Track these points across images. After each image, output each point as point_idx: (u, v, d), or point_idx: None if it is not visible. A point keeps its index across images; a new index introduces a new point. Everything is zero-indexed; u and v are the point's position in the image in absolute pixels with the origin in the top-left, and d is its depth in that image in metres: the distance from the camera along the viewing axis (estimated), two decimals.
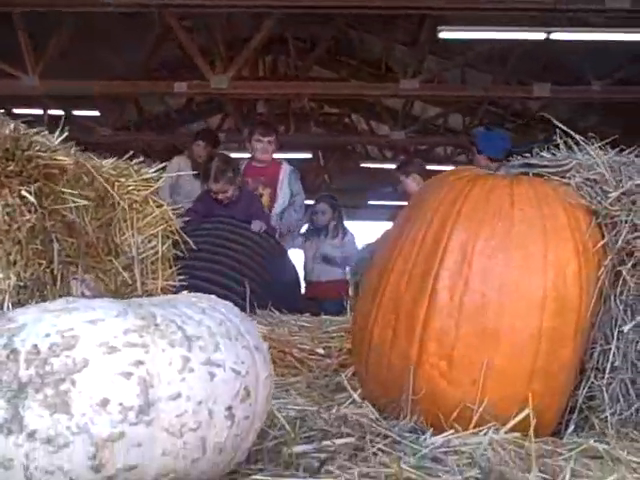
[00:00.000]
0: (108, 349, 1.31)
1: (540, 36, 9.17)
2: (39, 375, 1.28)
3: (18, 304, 2.09)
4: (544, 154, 2.42)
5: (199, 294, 1.61)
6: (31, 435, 1.27)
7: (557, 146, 2.45)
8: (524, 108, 12.93)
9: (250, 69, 13.41)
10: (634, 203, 2.19)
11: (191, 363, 1.36)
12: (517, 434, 1.97)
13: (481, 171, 2.42)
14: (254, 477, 1.46)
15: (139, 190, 2.94)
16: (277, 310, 3.99)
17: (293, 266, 5.64)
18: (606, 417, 2.16)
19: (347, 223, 8.16)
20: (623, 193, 2.22)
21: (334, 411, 2.23)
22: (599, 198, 2.24)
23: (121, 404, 1.29)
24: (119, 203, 2.81)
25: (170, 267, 3.04)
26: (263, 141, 5.82)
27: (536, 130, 12.53)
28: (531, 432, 1.89)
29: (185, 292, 1.67)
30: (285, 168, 5.99)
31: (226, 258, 4.50)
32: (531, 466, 1.62)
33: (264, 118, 13.49)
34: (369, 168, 16.18)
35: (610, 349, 2.18)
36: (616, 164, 2.33)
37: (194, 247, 3.16)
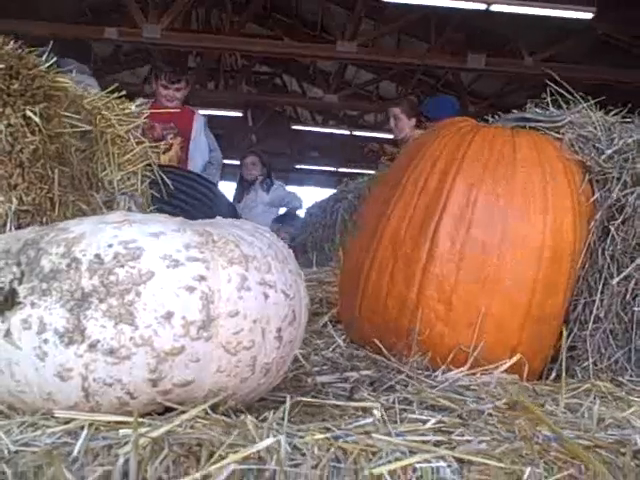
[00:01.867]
0: (172, 262, 1.30)
1: (481, 7, 9.29)
2: (104, 285, 1.26)
3: (19, 229, 2.03)
4: (537, 110, 2.50)
5: (237, 219, 1.60)
6: (93, 345, 1.26)
7: (547, 104, 2.53)
8: (457, 81, 13.13)
9: (183, 21, 13.12)
10: (626, 161, 2.29)
11: (248, 282, 1.37)
12: (515, 376, 2.06)
13: (480, 123, 2.47)
14: (296, 399, 1.48)
15: (121, 125, 2.87)
16: None
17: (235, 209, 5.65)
18: (587, 366, 2.26)
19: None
20: (615, 151, 2.31)
21: (325, 353, 2.26)
22: (592, 155, 2.33)
23: (184, 318, 1.29)
24: (102, 136, 2.74)
25: (148, 206, 2.99)
26: (170, 88, 5.33)
27: (467, 103, 12.74)
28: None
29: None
30: (199, 118, 5.59)
31: (180, 203, 4.46)
32: (544, 402, 1.70)
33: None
34: (298, 131, 16.15)
35: (594, 301, 2.28)
36: (607, 123, 2.43)
37: (171, 187, 3.12)
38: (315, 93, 14.82)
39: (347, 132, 15.57)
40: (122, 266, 1.28)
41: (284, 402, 1.53)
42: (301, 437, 1.27)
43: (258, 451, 1.12)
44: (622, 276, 2.21)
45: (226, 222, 1.53)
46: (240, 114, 15.15)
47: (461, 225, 2.17)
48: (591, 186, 2.32)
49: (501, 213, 2.16)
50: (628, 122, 2.46)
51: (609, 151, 2.29)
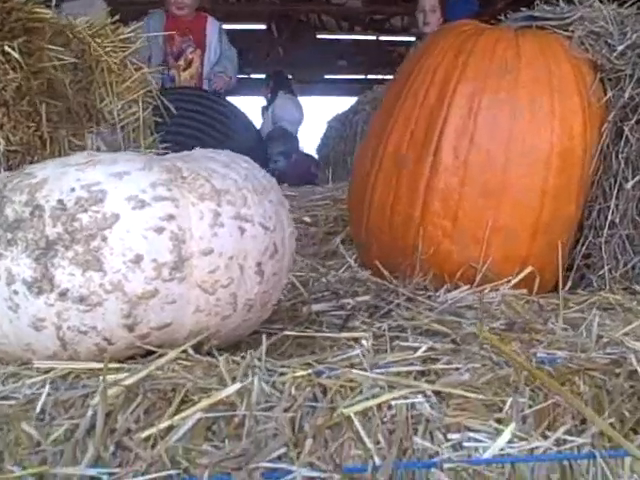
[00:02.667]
0: (138, 203, 1.25)
1: None
2: (68, 232, 1.22)
3: (9, 170, 2.00)
4: (546, 7, 2.35)
5: (214, 150, 1.54)
6: (63, 294, 1.23)
7: (557, 0, 2.38)
8: None
9: None
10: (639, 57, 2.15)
11: (221, 218, 1.31)
12: (523, 290, 2.00)
13: (484, 24, 2.33)
14: (285, 332, 1.44)
15: (116, 52, 2.79)
16: None
17: (261, 140, 5.55)
18: (603, 274, 2.19)
19: (303, 98, 7.95)
20: (628, 47, 2.17)
21: (334, 274, 2.23)
22: (603, 52, 2.19)
23: (154, 260, 1.25)
24: (97, 65, 2.67)
25: (152, 134, 2.93)
26: None
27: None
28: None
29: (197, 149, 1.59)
30: (212, 23, 5.20)
31: (197, 124, 4.40)
32: (548, 318, 1.64)
33: None
34: (324, 40, 15.74)
35: (609, 207, 2.19)
36: (619, 16, 2.28)
37: (174, 112, 3.05)
38: None
39: (374, 37, 15.14)
40: (85, 211, 1.23)
41: (277, 334, 1.51)
42: (282, 374, 1.23)
43: (228, 396, 1.09)
44: (637, 179, 2.11)
45: (201, 154, 1.47)
46: (264, 26, 14.80)
47: (464, 136, 2.08)
48: (603, 86, 2.19)
49: (505, 121, 2.05)
50: None
51: (621, 47, 2.15)
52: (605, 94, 2.17)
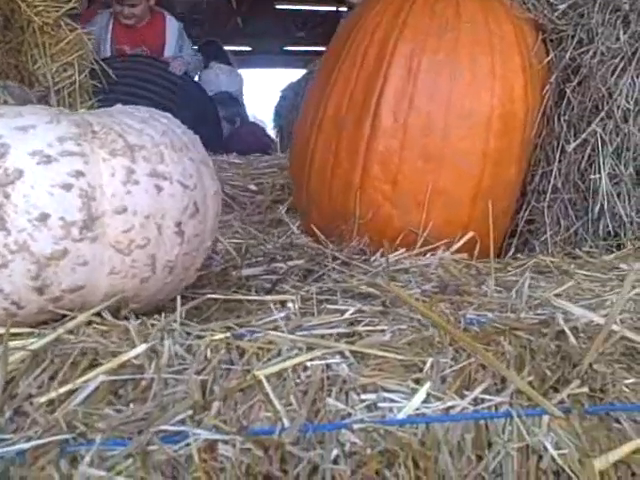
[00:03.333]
0: (43, 158, 1.17)
1: None
2: None
3: None
4: None
5: (137, 106, 1.47)
6: None
7: None
8: None
9: None
10: (581, 16, 2.12)
11: (135, 175, 1.24)
12: (463, 255, 1.96)
13: None
14: (208, 296, 1.39)
15: (49, 12, 2.68)
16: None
17: (214, 107, 5.45)
18: (546, 239, 2.16)
19: (262, 71, 7.80)
20: (570, 6, 2.14)
21: (275, 241, 2.17)
22: (545, 12, 2.15)
23: (62, 219, 1.18)
24: (29, 25, 2.56)
25: (89, 99, 2.84)
26: (124, 4, 4.47)
27: None
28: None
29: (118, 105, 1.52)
30: (171, 25, 4.84)
31: (147, 93, 4.28)
32: (483, 281, 1.61)
33: None
34: (284, 11, 15.55)
35: (552, 170, 2.16)
36: None
37: (114, 78, 2.95)
38: None
39: (333, 8, 14.99)
40: None
41: (200, 298, 1.46)
42: (199, 337, 1.18)
43: (136, 357, 1.03)
44: (578, 142, 2.09)
45: (118, 110, 1.40)
46: None
47: (403, 98, 2.02)
48: (545, 46, 2.16)
49: (445, 83, 2.01)
50: None
51: (562, 6, 2.11)
52: (547, 55, 2.14)
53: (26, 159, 1.17)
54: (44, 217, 1.17)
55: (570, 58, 2.10)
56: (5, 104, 1.31)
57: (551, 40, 2.14)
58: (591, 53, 2.07)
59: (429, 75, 2.02)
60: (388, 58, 2.04)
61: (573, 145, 2.08)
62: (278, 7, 15.51)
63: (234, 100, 5.86)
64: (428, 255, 1.96)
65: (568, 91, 2.12)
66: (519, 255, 2.13)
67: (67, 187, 1.18)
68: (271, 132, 6.39)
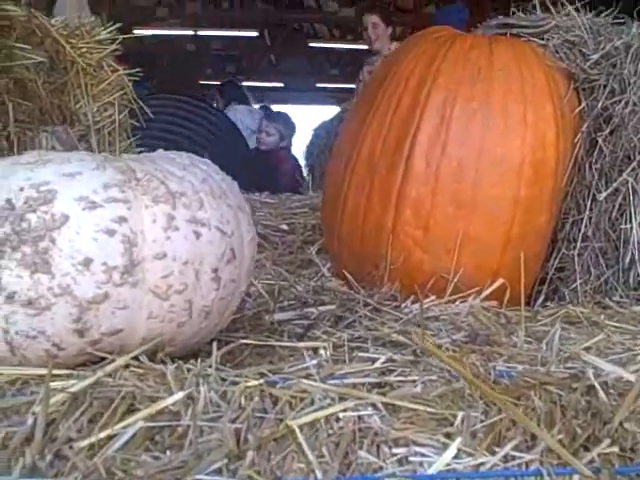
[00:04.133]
0: (89, 204, 1.22)
1: None
2: (15, 232, 1.19)
3: None
4: (522, 14, 2.34)
5: (177, 152, 1.51)
6: (10, 297, 1.19)
7: (533, 6, 2.36)
8: None
9: None
10: (614, 67, 2.14)
11: (176, 221, 1.28)
12: (494, 302, 1.97)
13: (458, 31, 2.32)
14: (242, 341, 1.41)
15: (92, 53, 2.76)
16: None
17: (245, 143, 5.53)
18: (576, 287, 2.17)
19: (295, 107, 7.89)
20: (602, 56, 2.16)
21: (306, 283, 2.20)
22: (578, 61, 2.18)
23: (105, 263, 1.22)
24: (72, 66, 2.64)
25: (128, 137, 2.90)
26: None
27: (488, 9, 12.28)
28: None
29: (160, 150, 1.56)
30: None
31: (182, 129, 4.38)
32: (513, 331, 1.62)
33: None
34: (316, 48, 15.75)
35: (582, 219, 2.18)
36: (595, 26, 2.26)
37: (151, 116, 3.01)
38: (331, 7, 14.35)
39: (366, 47, 15.15)
40: (34, 211, 1.20)
41: (234, 342, 1.48)
42: (234, 383, 1.20)
43: (173, 404, 1.06)
44: (609, 191, 2.10)
45: (160, 155, 1.44)
46: (256, 34, 14.81)
47: (436, 144, 2.05)
48: (577, 95, 2.18)
49: (477, 131, 2.03)
50: (620, 24, 2.29)
51: (595, 56, 2.14)
52: (579, 103, 2.16)
53: (72, 205, 1.21)
54: (87, 262, 1.21)
55: (602, 107, 2.12)
56: (53, 149, 1.36)
57: (583, 89, 2.16)
58: (623, 103, 2.09)
59: (461, 122, 2.05)
60: (422, 105, 2.08)
61: (604, 194, 2.09)
62: (311, 45, 15.73)
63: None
64: (458, 302, 1.97)
65: (600, 140, 2.13)
66: (549, 303, 2.13)
67: (110, 233, 1.22)
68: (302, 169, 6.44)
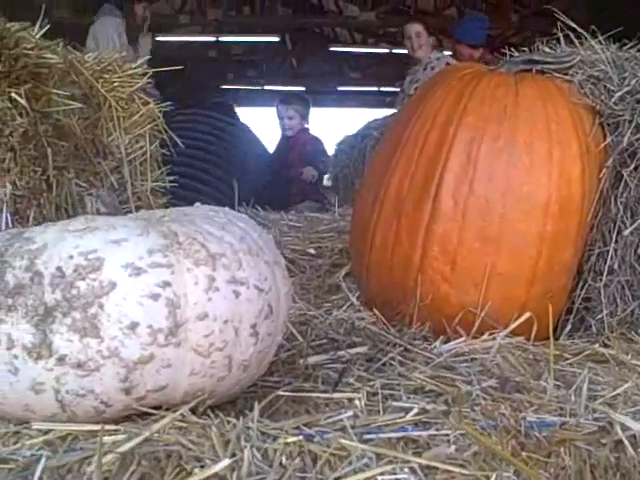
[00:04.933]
0: (134, 270, 1.28)
1: None
2: (66, 299, 1.25)
3: (16, 214, 2.04)
4: (545, 49, 2.37)
5: (214, 207, 1.57)
6: (61, 359, 1.26)
7: (557, 39, 2.39)
8: None
9: None
10: (638, 102, 2.16)
11: (216, 282, 1.34)
12: (521, 338, 2.01)
13: (484, 67, 2.36)
14: (278, 393, 1.47)
15: (124, 87, 2.83)
16: (261, 207, 3.97)
17: (269, 156, 5.59)
18: (602, 318, 2.20)
19: (315, 110, 7.87)
20: (627, 92, 2.19)
21: (336, 314, 2.25)
22: (602, 97, 2.21)
23: (150, 326, 1.28)
24: (105, 101, 2.71)
25: (159, 167, 2.97)
26: None
27: (509, 11, 12.27)
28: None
29: (198, 204, 1.62)
30: None
31: (203, 153, 4.45)
32: (542, 373, 1.66)
33: None
34: (338, 52, 15.80)
35: (608, 251, 2.21)
36: (619, 60, 2.29)
37: (182, 146, 3.08)
38: (352, 11, 14.40)
39: (387, 50, 15.18)
40: (83, 279, 1.26)
41: (271, 394, 1.54)
42: (274, 438, 1.26)
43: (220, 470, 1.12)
44: (635, 226, 2.13)
45: (199, 213, 1.50)
46: (277, 39, 14.89)
47: (463, 182, 2.10)
48: (602, 130, 2.21)
49: (503, 169, 2.08)
50: None
51: (619, 93, 2.17)
52: (604, 139, 2.19)
53: (119, 272, 1.27)
54: (134, 325, 1.27)
55: (627, 143, 2.15)
56: (98, 212, 1.43)
57: (608, 124, 2.19)
58: None
59: (488, 160, 2.09)
60: (449, 143, 2.12)
61: (630, 229, 2.12)
62: (332, 49, 15.78)
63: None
64: (486, 335, 2.02)
65: (625, 174, 2.16)
66: (574, 334, 2.17)
67: (155, 297, 1.28)
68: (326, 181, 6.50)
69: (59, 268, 1.27)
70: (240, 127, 5.35)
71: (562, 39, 2.37)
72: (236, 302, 1.37)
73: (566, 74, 2.27)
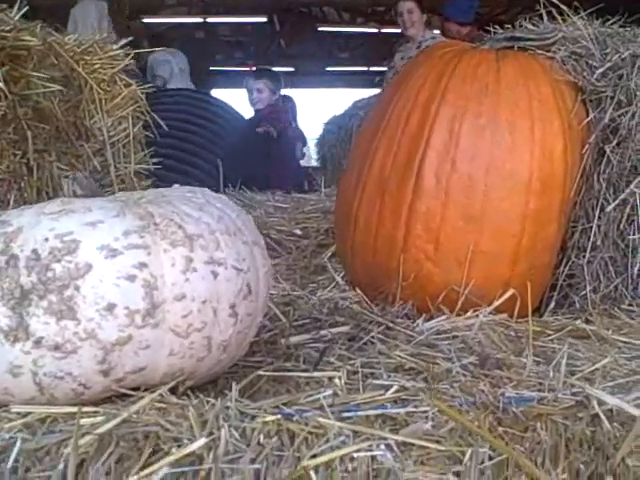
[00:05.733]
0: (110, 252, 1.27)
1: None
2: (41, 282, 1.25)
3: None
4: (528, 26, 2.36)
5: (193, 187, 1.57)
6: (38, 342, 1.26)
7: (540, 16, 2.38)
8: None
9: None
10: (620, 78, 2.17)
11: (194, 263, 1.34)
12: (504, 315, 2.02)
13: (466, 45, 2.35)
14: (258, 373, 1.47)
15: (105, 69, 2.81)
16: (247, 188, 3.96)
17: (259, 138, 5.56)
18: (586, 294, 2.21)
19: (305, 91, 7.85)
20: (609, 68, 2.18)
21: (320, 294, 2.25)
22: (585, 73, 2.21)
23: (127, 308, 1.27)
24: (86, 83, 2.69)
25: (142, 150, 2.96)
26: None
27: None
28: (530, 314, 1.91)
29: (176, 185, 1.62)
30: None
31: (193, 135, 4.42)
32: (523, 349, 1.67)
33: None
34: (326, 32, 15.72)
35: (591, 227, 2.21)
36: (602, 36, 2.28)
37: (165, 128, 3.07)
38: None
39: (376, 30, 15.11)
40: (59, 261, 1.26)
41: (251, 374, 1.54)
42: (253, 417, 1.26)
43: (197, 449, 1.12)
44: (617, 202, 2.13)
45: (177, 195, 1.49)
46: (265, 19, 14.80)
47: (445, 160, 2.10)
48: (585, 107, 2.21)
49: (485, 146, 2.07)
50: (626, 32, 2.31)
51: (601, 69, 2.16)
52: (587, 115, 2.19)
53: (95, 253, 1.27)
54: (111, 307, 1.27)
55: (609, 119, 2.15)
56: (74, 194, 1.42)
57: (590, 100, 2.19)
58: (630, 115, 2.12)
59: (470, 138, 2.08)
60: (431, 121, 2.12)
61: (612, 205, 2.13)
62: (320, 29, 15.70)
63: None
64: (470, 312, 2.02)
65: (607, 150, 2.17)
66: (558, 311, 2.18)
67: (131, 278, 1.28)
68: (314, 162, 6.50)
69: (35, 251, 1.27)
70: (225, 108, 5.33)
71: (545, 16, 2.36)
72: (214, 282, 1.36)
73: (548, 51, 2.26)
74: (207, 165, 4.31)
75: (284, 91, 7.35)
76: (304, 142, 6.56)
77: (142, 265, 1.29)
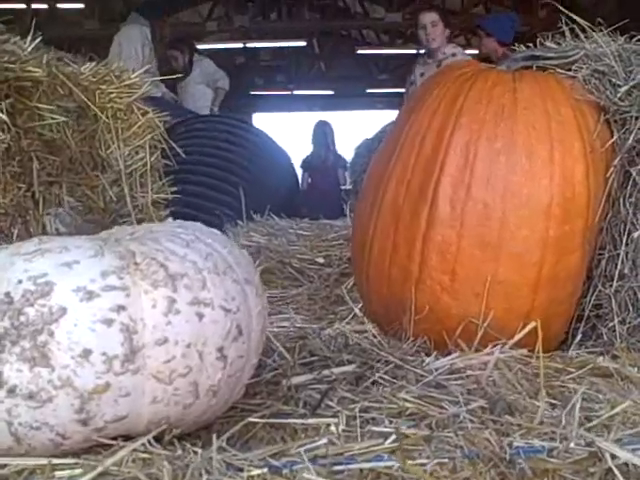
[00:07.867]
0: (85, 294, 1.21)
1: None
2: (14, 327, 1.19)
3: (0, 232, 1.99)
4: (549, 44, 2.26)
5: (184, 222, 1.50)
6: (12, 391, 1.20)
7: (562, 33, 2.28)
8: None
9: None
10: None
11: (177, 304, 1.27)
12: (523, 350, 1.90)
13: (482, 65, 2.25)
14: (250, 419, 1.39)
15: (122, 97, 2.78)
16: (275, 215, 3.89)
17: (290, 165, 5.51)
18: (614, 326, 2.08)
19: (344, 113, 7.85)
20: (633, 86, 2.07)
21: (335, 327, 2.17)
22: (608, 92, 2.09)
23: (104, 354, 1.21)
24: (102, 113, 2.66)
25: (160, 179, 2.92)
26: None
27: (536, 8, 12.06)
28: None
29: (170, 219, 1.56)
30: None
31: (218, 160, 4.38)
32: (537, 391, 1.56)
33: None
34: (366, 55, 15.73)
35: (618, 255, 2.09)
36: (626, 53, 2.17)
37: (183, 155, 3.03)
38: (377, 13, 14.29)
39: (414, 51, 15.04)
40: (32, 305, 1.20)
41: (250, 415, 1.46)
42: (239, 469, 1.19)
43: None
44: None
45: (166, 229, 1.43)
46: (304, 43, 14.87)
47: (460, 187, 2.00)
48: (609, 128, 2.09)
49: (501, 172, 1.97)
50: None
51: (625, 87, 2.05)
52: (611, 136, 2.07)
53: (69, 296, 1.20)
54: (86, 353, 1.20)
55: (635, 140, 2.03)
56: (57, 232, 1.36)
57: (615, 121, 2.08)
58: None
59: (485, 163, 1.99)
60: (445, 147, 2.03)
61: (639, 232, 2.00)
62: (359, 52, 15.69)
63: None
64: (489, 348, 1.92)
65: (634, 173, 2.05)
66: (586, 343, 2.06)
67: (108, 322, 1.21)
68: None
69: (7, 294, 1.21)
70: (258, 134, 5.29)
71: (567, 33, 2.26)
72: (199, 324, 1.29)
73: (569, 70, 2.15)
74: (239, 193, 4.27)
75: (322, 115, 7.35)
76: (345, 167, 6.53)
77: (120, 308, 1.22)
